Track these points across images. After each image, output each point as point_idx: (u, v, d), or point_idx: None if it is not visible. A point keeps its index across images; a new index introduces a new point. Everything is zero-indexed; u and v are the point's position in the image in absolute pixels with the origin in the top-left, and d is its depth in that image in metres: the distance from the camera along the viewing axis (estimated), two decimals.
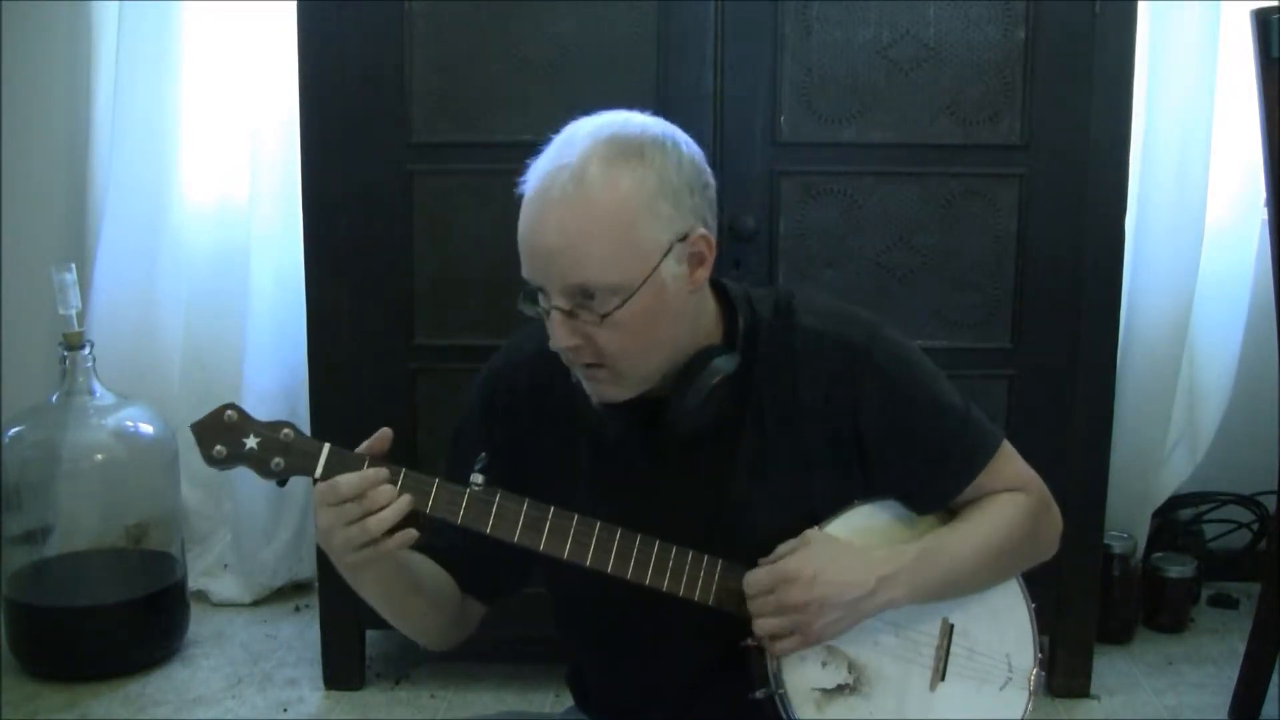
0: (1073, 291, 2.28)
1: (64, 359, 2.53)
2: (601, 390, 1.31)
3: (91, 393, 2.57)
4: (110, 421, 2.61)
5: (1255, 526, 2.92)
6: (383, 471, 1.26)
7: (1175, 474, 2.80)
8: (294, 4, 2.28)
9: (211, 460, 1.29)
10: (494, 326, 2.29)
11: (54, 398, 2.58)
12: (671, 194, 1.26)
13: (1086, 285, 2.28)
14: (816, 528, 1.36)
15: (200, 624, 2.78)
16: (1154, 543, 2.86)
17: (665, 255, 1.26)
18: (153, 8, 2.77)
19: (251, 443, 1.28)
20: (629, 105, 1.37)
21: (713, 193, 1.32)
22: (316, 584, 2.60)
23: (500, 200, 2.30)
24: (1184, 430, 2.80)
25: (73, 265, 2.55)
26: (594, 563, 1.31)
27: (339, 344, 2.36)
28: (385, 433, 1.29)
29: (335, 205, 2.31)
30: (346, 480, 1.25)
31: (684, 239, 1.27)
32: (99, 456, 2.61)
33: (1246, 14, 2.15)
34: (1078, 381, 2.31)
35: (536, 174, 1.28)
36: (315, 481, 1.28)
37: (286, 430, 1.29)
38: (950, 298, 2.29)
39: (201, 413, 1.30)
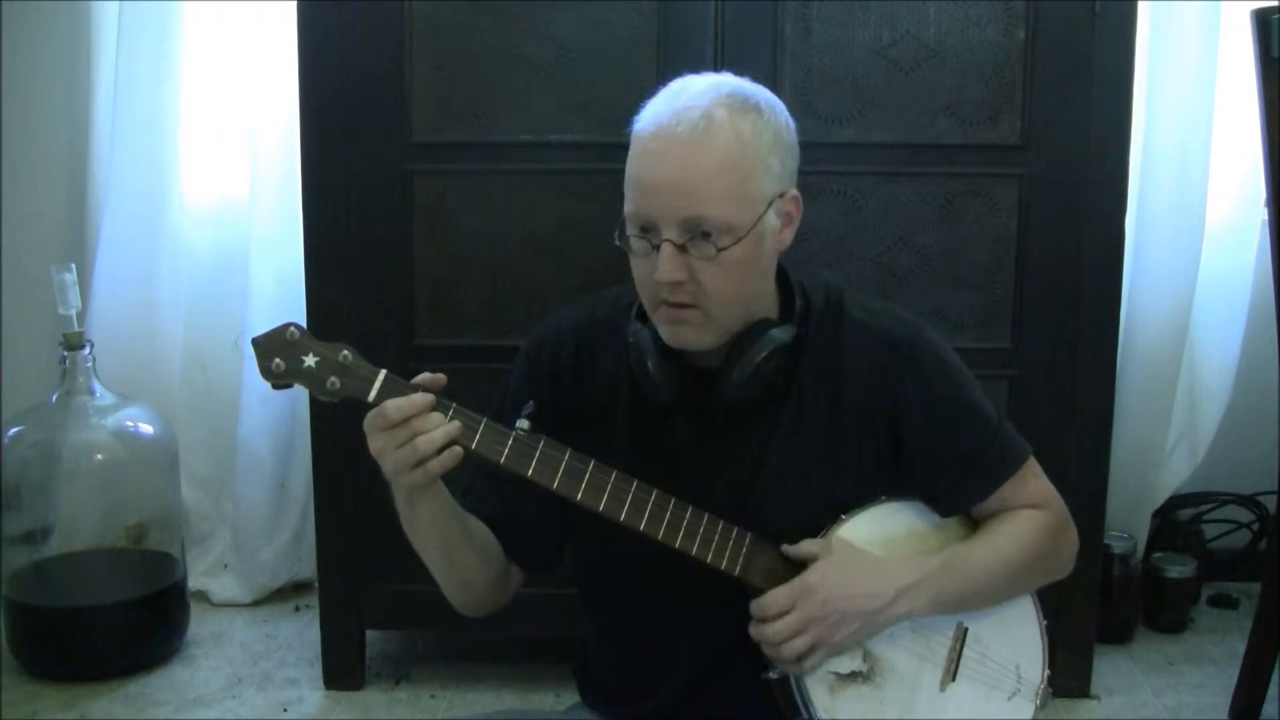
0: (1073, 291, 2.28)
1: (64, 359, 2.53)
2: (686, 333, 1.34)
3: (91, 393, 2.57)
4: (110, 421, 2.61)
5: (1255, 526, 2.92)
6: (430, 397, 1.28)
7: (1175, 474, 2.80)
8: (294, 4, 2.28)
9: (269, 374, 1.31)
10: (494, 326, 2.29)
11: (54, 398, 2.58)
12: (782, 150, 1.35)
13: (1086, 285, 2.28)
14: (844, 521, 1.38)
15: (200, 624, 2.78)
16: (1154, 543, 2.86)
17: (769, 206, 1.33)
18: (153, 8, 2.77)
19: (310, 361, 1.30)
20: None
21: (798, 160, 1.39)
22: (316, 584, 2.60)
23: (500, 200, 2.32)
24: (1184, 430, 2.79)
25: (73, 265, 2.55)
26: (627, 519, 1.33)
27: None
28: (440, 376, 1.31)
29: (335, 205, 2.31)
30: (396, 404, 1.26)
31: (782, 195, 1.35)
32: (99, 456, 2.61)
33: (1246, 14, 2.15)
34: (1078, 381, 2.31)
35: (656, 115, 1.32)
36: (367, 406, 1.29)
37: (345, 353, 1.31)
38: (950, 298, 2.29)
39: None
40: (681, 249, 1.30)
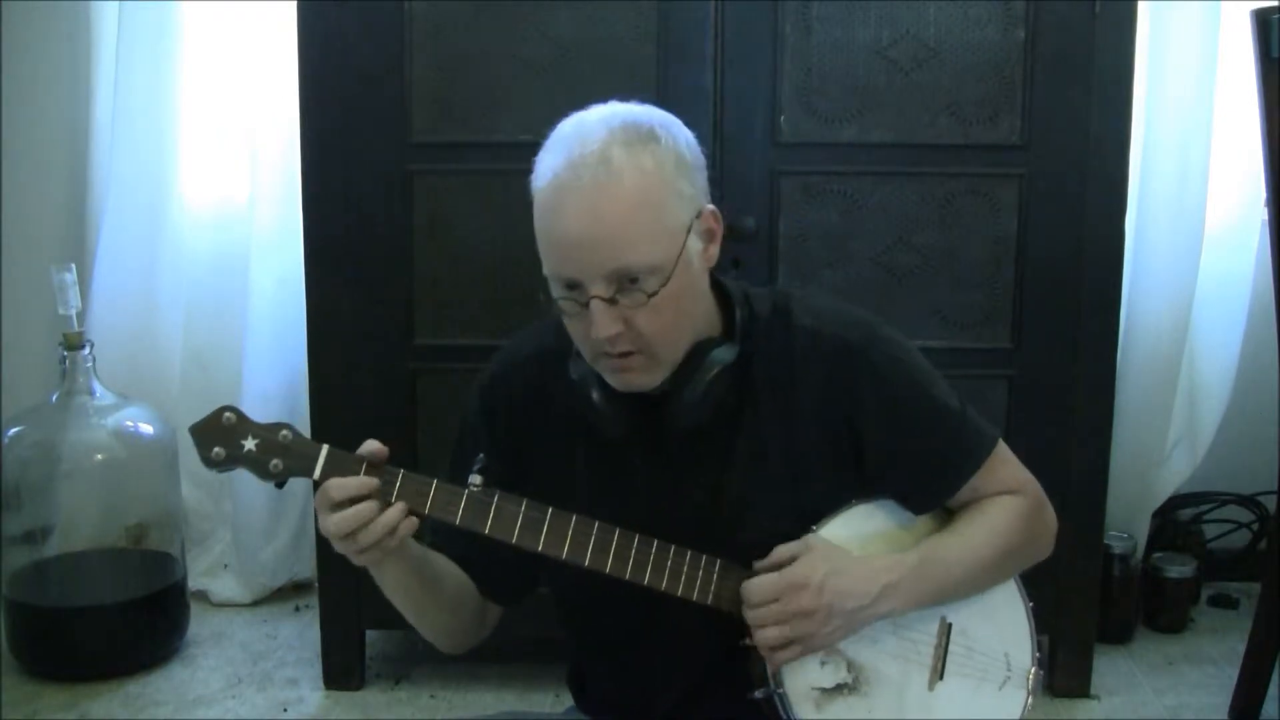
0: (1073, 291, 2.28)
1: (64, 359, 2.53)
2: (632, 379, 1.31)
3: (91, 393, 2.57)
4: (110, 421, 2.61)
5: (1255, 526, 2.92)
6: (373, 482, 1.27)
7: (1175, 474, 2.80)
8: (294, 4, 2.28)
9: (210, 462, 1.29)
10: (494, 326, 2.29)
11: (54, 398, 2.58)
12: (687, 172, 1.29)
13: (1086, 285, 2.28)
14: (815, 531, 1.36)
15: (200, 624, 2.78)
16: (1154, 543, 2.86)
17: (689, 232, 1.29)
18: (152, 8, 2.77)
19: (250, 444, 1.28)
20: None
21: (707, 172, 1.34)
22: (316, 584, 2.60)
23: (500, 200, 2.31)
24: (1184, 430, 2.79)
25: (73, 265, 2.55)
26: (592, 563, 1.31)
27: (339, 344, 2.36)
28: (382, 448, 1.29)
29: (335, 205, 2.31)
30: (339, 485, 1.26)
31: (699, 215, 1.30)
32: (99, 456, 2.61)
33: (1246, 14, 2.15)
34: (1078, 381, 2.31)
35: (553, 168, 1.27)
36: (315, 483, 1.28)
37: (285, 432, 1.29)
38: (950, 298, 2.29)
39: (202, 413, 1.30)
40: (611, 301, 1.25)
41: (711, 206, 1.33)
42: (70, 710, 2.42)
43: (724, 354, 1.33)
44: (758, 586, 1.32)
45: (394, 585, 1.36)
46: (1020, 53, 2.22)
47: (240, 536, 2.92)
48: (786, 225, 2.27)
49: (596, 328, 1.26)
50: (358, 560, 1.29)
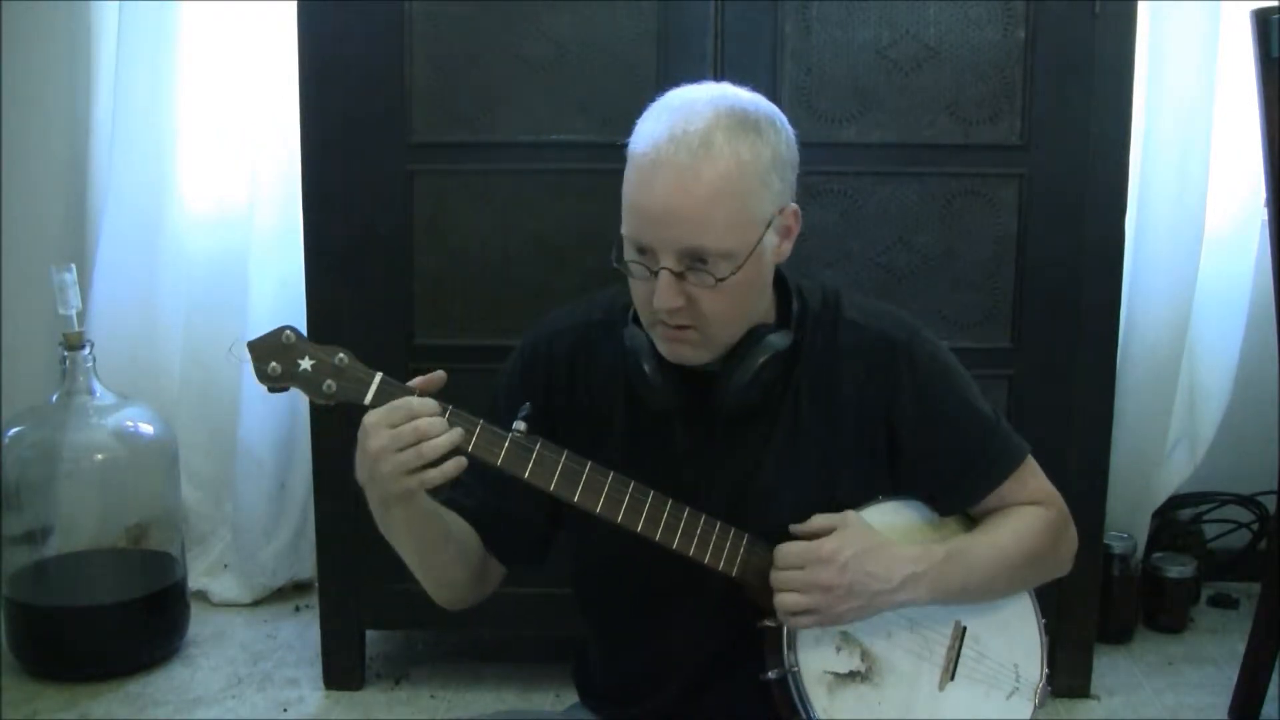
0: (1073, 291, 2.28)
1: (64, 359, 2.53)
2: (683, 351, 1.33)
3: (91, 393, 2.57)
4: (110, 421, 2.61)
5: (1255, 526, 2.92)
6: (432, 403, 1.27)
7: (1175, 474, 2.80)
8: (294, 4, 2.28)
9: (265, 377, 1.29)
10: (494, 326, 2.29)
11: (54, 398, 2.57)
12: (781, 168, 1.32)
13: (1086, 285, 2.28)
14: (854, 511, 1.38)
15: (200, 624, 2.78)
16: (1154, 543, 2.86)
17: (768, 226, 1.31)
18: (152, 8, 2.77)
19: (306, 364, 1.29)
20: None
21: (797, 171, 1.37)
22: (316, 584, 2.60)
23: (500, 200, 2.32)
24: (1184, 430, 2.79)
25: (73, 265, 2.55)
26: (624, 521, 1.32)
27: (339, 343, 2.35)
28: (439, 374, 1.31)
29: (335, 205, 2.31)
30: (401, 404, 1.26)
31: (781, 211, 1.33)
32: (99, 456, 2.61)
33: (1246, 14, 2.15)
34: (1078, 381, 2.32)
35: (653, 137, 1.28)
36: (365, 409, 1.28)
37: (341, 355, 1.30)
38: (950, 298, 2.29)
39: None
40: (680, 276, 1.28)
41: (795, 205, 1.35)
42: (70, 710, 2.42)
43: (778, 341, 1.36)
44: (786, 551, 1.34)
45: (404, 529, 1.35)
46: (1020, 53, 2.22)
47: (240, 536, 2.92)
48: None
49: (660, 297, 1.28)
50: (396, 485, 1.26)
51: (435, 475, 1.26)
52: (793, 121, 2.24)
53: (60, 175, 2.96)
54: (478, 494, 1.43)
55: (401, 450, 1.25)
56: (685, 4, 2.21)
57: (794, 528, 1.37)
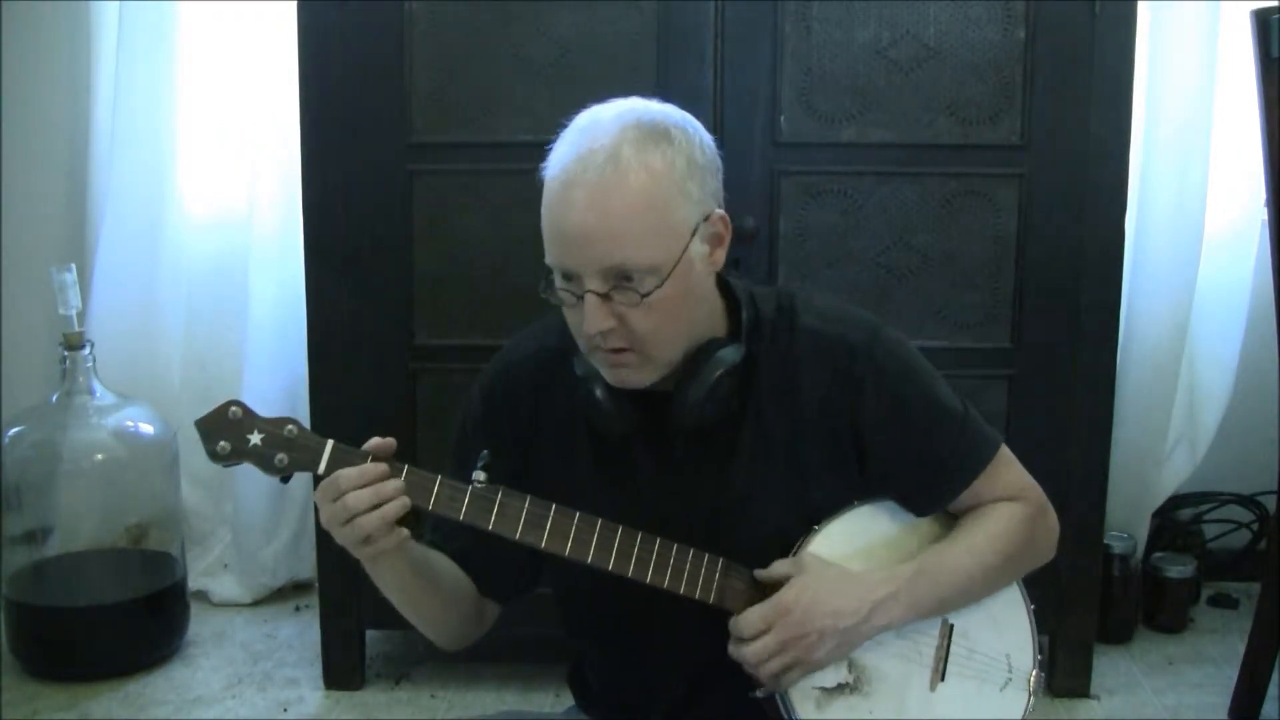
0: (1073, 292, 2.28)
1: (64, 359, 2.54)
2: (626, 375, 1.31)
3: (91, 393, 2.57)
4: (110, 421, 2.61)
5: (1255, 526, 2.92)
6: (382, 467, 1.27)
7: (1175, 474, 2.80)
8: (294, 4, 2.29)
9: (216, 456, 1.29)
10: (494, 326, 2.29)
11: (54, 398, 2.58)
12: (698, 175, 1.29)
13: (1086, 285, 2.28)
14: (810, 545, 1.36)
15: (200, 624, 2.78)
16: (1154, 543, 2.86)
17: (693, 235, 1.29)
18: (152, 8, 2.77)
19: (255, 439, 1.29)
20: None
21: (722, 176, 1.34)
22: (316, 584, 2.60)
23: (500, 200, 2.32)
24: (1184, 430, 2.79)
25: (73, 265, 2.55)
26: (595, 560, 1.31)
27: (339, 344, 2.36)
28: (390, 441, 1.30)
29: (335, 205, 2.31)
30: (345, 475, 1.26)
31: (706, 219, 1.30)
32: (99, 456, 2.61)
33: (1246, 14, 2.15)
34: (1078, 381, 2.31)
35: (563, 160, 1.27)
36: (318, 478, 1.28)
37: (290, 426, 1.29)
38: (950, 298, 2.29)
39: (202, 412, 1.30)
40: (606, 297, 1.26)
41: (721, 211, 1.32)
42: (70, 710, 2.42)
43: (729, 355, 1.33)
44: (747, 620, 1.32)
45: (392, 583, 1.36)
46: (1020, 53, 2.22)
47: (240, 536, 2.92)
48: (786, 225, 2.28)
49: (589, 322, 1.26)
50: (360, 552, 1.28)
51: (389, 542, 1.27)
52: (793, 121, 2.27)
53: (60, 175, 2.96)
54: (459, 537, 1.40)
55: (345, 524, 1.25)
56: (685, 4, 2.21)
57: (757, 573, 1.35)
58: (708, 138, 1.33)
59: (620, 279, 1.26)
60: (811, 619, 1.31)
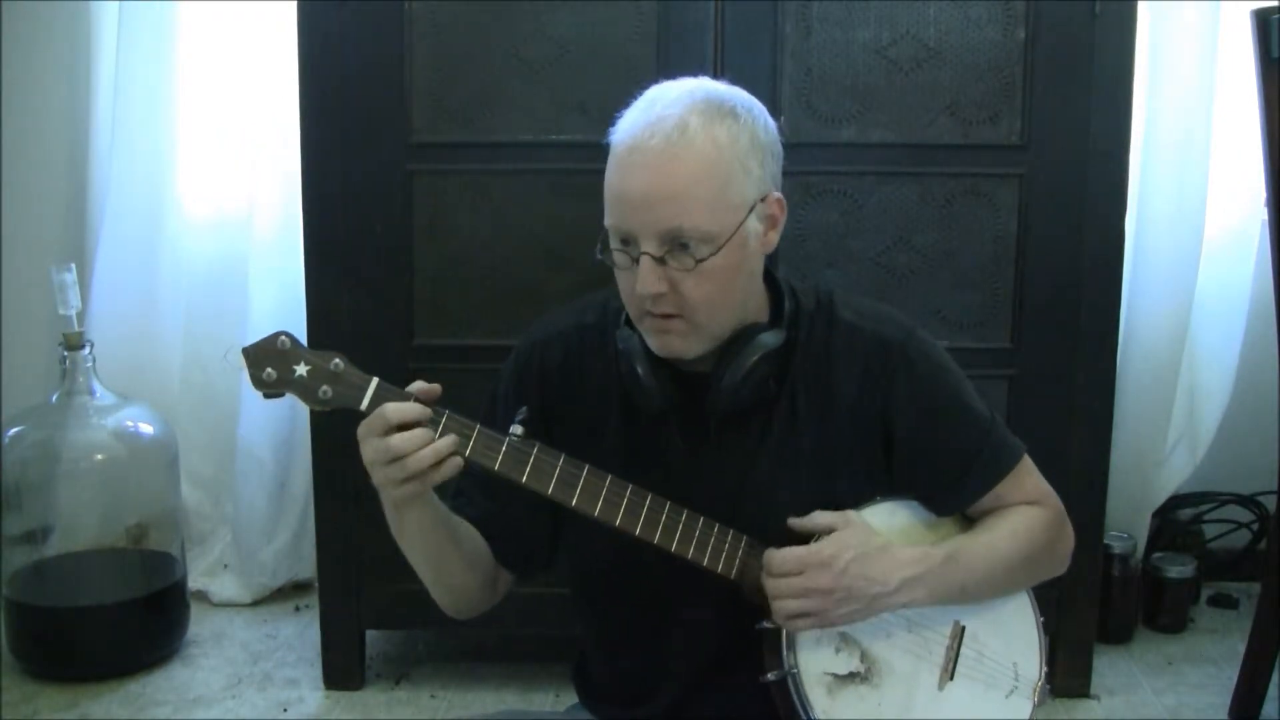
0: (1073, 291, 2.28)
1: (64, 359, 2.53)
2: (671, 343, 1.33)
3: (91, 393, 2.57)
4: (110, 421, 2.61)
5: (1255, 526, 2.92)
6: (425, 409, 1.28)
7: (1175, 474, 2.80)
8: (294, 4, 2.29)
9: (260, 383, 1.30)
10: (494, 326, 2.29)
11: (54, 398, 2.58)
12: (760, 153, 1.32)
13: (1086, 285, 2.28)
14: (855, 511, 1.38)
15: (200, 624, 2.78)
16: (1154, 543, 2.86)
17: (750, 211, 1.32)
18: (152, 8, 2.77)
19: (301, 370, 1.30)
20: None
21: (781, 161, 1.37)
22: (316, 584, 2.60)
23: (500, 200, 2.32)
24: (1184, 430, 2.79)
25: (73, 265, 2.55)
26: (622, 523, 1.32)
27: (339, 344, 2.33)
28: (435, 387, 1.31)
29: (335, 205, 2.31)
30: (393, 409, 1.26)
31: (764, 199, 1.33)
32: (99, 456, 2.61)
33: (1246, 14, 2.15)
34: (1078, 381, 2.31)
35: (632, 126, 1.31)
36: (362, 415, 1.29)
37: (337, 360, 1.30)
38: (950, 298, 2.29)
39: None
40: (661, 261, 1.28)
41: (778, 194, 1.36)
42: (70, 710, 2.42)
43: (770, 339, 1.36)
44: (781, 558, 1.33)
45: (416, 532, 1.36)
46: (1020, 53, 2.22)
47: (240, 536, 2.92)
48: (787, 225, 2.26)
49: (641, 283, 1.29)
50: (395, 491, 1.28)
51: (433, 476, 1.27)
52: (793, 121, 2.27)
53: (60, 175, 2.96)
54: (481, 503, 1.43)
55: (389, 463, 1.26)
56: (685, 4, 2.21)
57: (794, 521, 1.36)
58: (771, 122, 1.36)
59: (676, 244, 1.28)
60: (845, 576, 1.32)
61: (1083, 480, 2.32)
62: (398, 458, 1.25)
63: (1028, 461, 1.47)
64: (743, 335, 1.36)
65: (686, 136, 1.27)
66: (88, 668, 2.53)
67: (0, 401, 2.83)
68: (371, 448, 1.26)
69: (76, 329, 2.54)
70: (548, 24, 2.24)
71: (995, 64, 2.22)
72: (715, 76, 2.20)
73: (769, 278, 1.43)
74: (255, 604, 2.92)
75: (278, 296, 2.78)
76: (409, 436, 1.25)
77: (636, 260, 1.29)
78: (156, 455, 2.67)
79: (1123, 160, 2.26)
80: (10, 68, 2.87)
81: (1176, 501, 2.88)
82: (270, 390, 1.30)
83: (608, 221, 1.32)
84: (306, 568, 2.94)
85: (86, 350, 2.54)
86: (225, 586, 2.92)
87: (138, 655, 2.59)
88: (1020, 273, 2.28)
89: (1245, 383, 2.77)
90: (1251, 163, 2.42)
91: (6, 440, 2.56)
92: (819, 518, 1.36)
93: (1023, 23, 2.21)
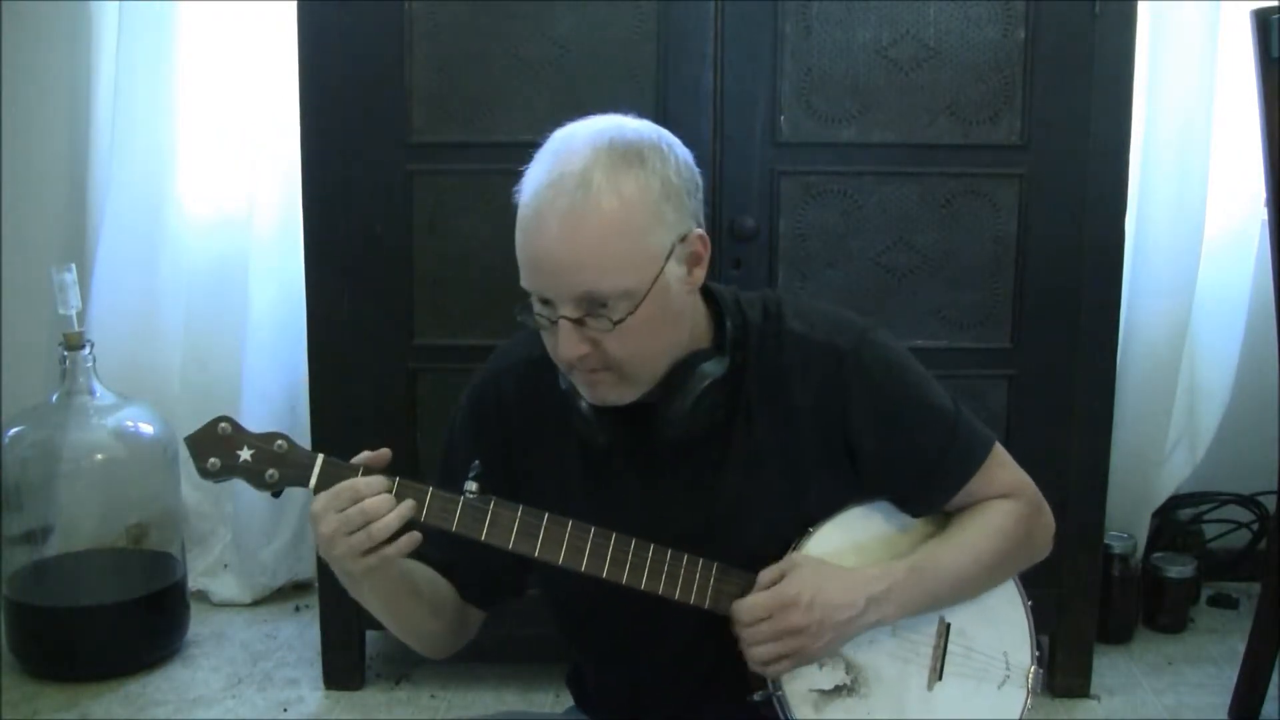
0: (1073, 291, 2.28)
1: (64, 359, 2.53)
2: (604, 393, 1.30)
3: (91, 393, 2.57)
4: (110, 421, 2.61)
5: (1255, 526, 2.92)
6: (379, 479, 1.27)
7: (1175, 474, 2.80)
8: (294, 4, 2.28)
9: (206, 473, 1.29)
10: (494, 326, 2.29)
11: (54, 398, 2.58)
12: (674, 196, 1.26)
13: (1086, 285, 2.28)
14: (811, 534, 1.36)
15: (200, 624, 2.78)
16: (1154, 543, 2.86)
17: (669, 258, 1.26)
18: (152, 8, 2.77)
19: (246, 455, 1.29)
20: (629, 105, 1.38)
21: (701, 193, 1.32)
22: (316, 584, 2.60)
23: (500, 200, 2.29)
24: (1184, 430, 2.79)
25: (73, 265, 2.55)
26: (589, 569, 1.31)
27: (339, 344, 2.36)
28: (385, 452, 1.30)
29: (335, 205, 2.31)
30: (345, 487, 1.25)
31: (683, 240, 1.28)
32: (99, 456, 2.61)
33: (1246, 14, 2.15)
34: (1078, 381, 2.31)
35: (535, 184, 1.26)
36: (314, 492, 1.28)
37: (280, 442, 1.29)
38: (950, 298, 2.29)
39: (202, 413, 1.30)
40: (580, 322, 1.24)
41: (700, 230, 1.30)
42: (70, 710, 2.42)
43: (713, 368, 1.32)
44: (748, 606, 1.32)
45: (374, 596, 1.35)
46: (1020, 53, 2.22)
47: (240, 536, 2.92)
48: (786, 225, 2.28)
49: (561, 349, 1.26)
50: (357, 565, 1.26)
51: (391, 552, 1.26)
52: (793, 121, 2.27)
53: (60, 175, 2.96)
54: (443, 545, 1.39)
55: (351, 534, 1.24)
56: (685, 4, 2.21)
57: (760, 578, 1.34)
58: (685, 155, 1.30)
59: (593, 305, 1.24)
60: (811, 610, 1.31)
61: (1083, 480, 2.32)
62: (361, 527, 1.24)
63: (999, 453, 1.43)
64: (683, 366, 1.31)
65: (591, 194, 1.21)
66: (88, 668, 2.53)
67: (0, 401, 2.83)
68: (331, 522, 1.25)
69: (76, 329, 2.54)
70: (548, 24, 2.23)
71: (995, 64, 2.22)
72: (715, 77, 2.23)
73: (711, 297, 1.39)
74: (255, 604, 2.92)
75: (278, 296, 2.78)
76: (371, 504, 1.24)
77: (555, 322, 1.26)
78: (156, 455, 2.67)
79: (1123, 160, 2.26)
80: (10, 68, 2.87)
81: (1176, 501, 2.88)
82: (217, 478, 1.30)
83: (523, 282, 1.28)
84: (306, 568, 2.94)
85: (86, 350, 2.54)
86: (225, 586, 2.92)
87: (138, 655, 2.59)
88: (1020, 273, 2.28)
89: (1245, 382, 2.77)
90: (1251, 163, 2.42)
91: (6, 440, 2.56)
92: (766, 574, 1.33)
93: (1023, 23, 2.21)
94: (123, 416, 2.63)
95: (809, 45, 2.23)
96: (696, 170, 1.31)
